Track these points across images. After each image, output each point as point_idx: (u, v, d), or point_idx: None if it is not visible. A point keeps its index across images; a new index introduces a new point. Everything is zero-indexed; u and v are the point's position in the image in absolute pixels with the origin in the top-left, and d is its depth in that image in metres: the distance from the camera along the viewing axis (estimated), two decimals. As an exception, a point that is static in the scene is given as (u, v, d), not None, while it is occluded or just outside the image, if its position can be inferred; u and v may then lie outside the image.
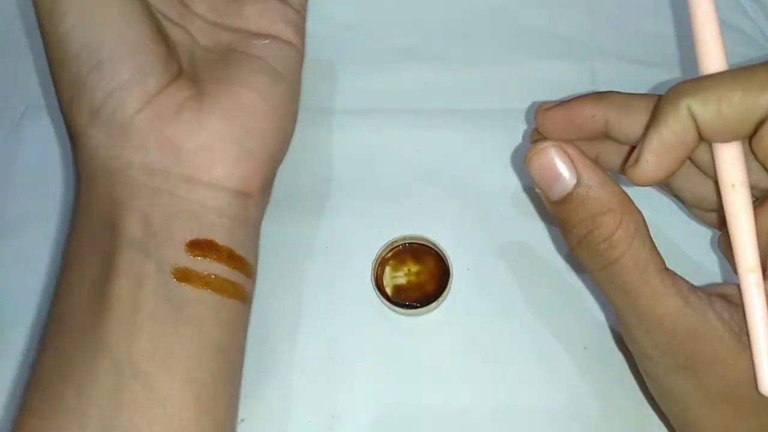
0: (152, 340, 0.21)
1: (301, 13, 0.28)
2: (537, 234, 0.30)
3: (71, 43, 0.22)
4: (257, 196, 0.24)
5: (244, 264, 0.23)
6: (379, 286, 0.29)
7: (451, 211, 0.31)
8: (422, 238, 0.29)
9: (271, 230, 0.27)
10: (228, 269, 0.22)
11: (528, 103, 0.33)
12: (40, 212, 0.31)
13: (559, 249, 0.30)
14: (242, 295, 0.23)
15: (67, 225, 0.30)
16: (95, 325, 0.21)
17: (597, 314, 0.28)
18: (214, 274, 0.22)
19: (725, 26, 0.35)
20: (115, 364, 0.20)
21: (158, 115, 0.22)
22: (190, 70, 0.24)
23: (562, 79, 0.34)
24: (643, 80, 0.34)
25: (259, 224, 0.25)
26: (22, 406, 0.21)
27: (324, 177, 0.31)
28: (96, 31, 0.22)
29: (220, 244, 0.22)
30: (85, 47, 0.22)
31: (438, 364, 0.28)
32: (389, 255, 0.29)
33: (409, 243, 0.30)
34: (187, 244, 0.22)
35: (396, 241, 0.29)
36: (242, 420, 0.26)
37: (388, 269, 0.29)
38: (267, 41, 0.25)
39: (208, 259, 0.22)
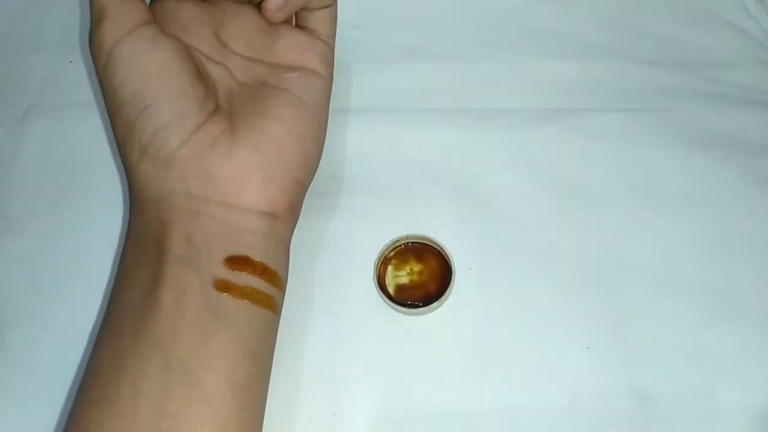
0: (196, 343, 0.23)
1: (329, 43, 0.29)
2: (540, 233, 0.30)
3: (123, 93, 0.25)
4: (285, 216, 0.26)
5: (275, 277, 0.25)
6: (382, 285, 0.29)
7: (454, 211, 0.31)
8: (425, 238, 0.29)
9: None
10: (262, 281, 0.25)
11: (530, 101, 0.33)
12: (42, 210, 0.31)
13: (561, 248, 0.30)
14: (273, 306, 0.25)
15: (69, 222, 0.30)
16: (146, 328, 0.23)
17: (599, 314, 0.28)
18: (250, 286, 0.24)
19: (728, 26, 0.35)
20: (165, 361, 0.23)
21: (196, 149, 0.25)
22: (228, 104, 0.27)
23: (564, 77, 0.34)
24: (644, 79, 0.34)
25: (289, 242, 0.27)
26: (79, 398, 0.24)
27: (326, 176, 0.31)
28: (143, 82, 0.25)
29: (255, 259, 0.25)
30: (134, 96, 0.25)
31: (440, 363, 0.28)
32: (392, 254, 0.29)
33: (411, 242, 0.29)
34: (226, 259, 0.24)
35: (398, 240, 0.29)
36: (244, 419, 0.26)
37: (390, 268, 0.29)
38: (296, 74, 0.28)
39: (245, 272, 0.24)
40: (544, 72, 0.34)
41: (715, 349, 0.28)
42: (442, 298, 0.28)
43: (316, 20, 0.29)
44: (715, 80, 0.34)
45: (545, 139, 0.32)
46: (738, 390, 0.27)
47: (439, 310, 0.28)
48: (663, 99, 0.33)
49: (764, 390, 0.27)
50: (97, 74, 0.26)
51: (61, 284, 0.29)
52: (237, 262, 0.24)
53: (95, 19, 0.25)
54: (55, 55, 0.35)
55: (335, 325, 0.28)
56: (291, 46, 0.28)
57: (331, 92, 0.29)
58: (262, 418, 0.25)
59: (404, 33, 0.35)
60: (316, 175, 0.30)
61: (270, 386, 0.26)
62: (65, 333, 0.28)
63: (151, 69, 0.25)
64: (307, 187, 0.28)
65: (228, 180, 0.25)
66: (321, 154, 0.28)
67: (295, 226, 0.27)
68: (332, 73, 0.29)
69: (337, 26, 0.34)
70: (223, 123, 0.26)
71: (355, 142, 0.32)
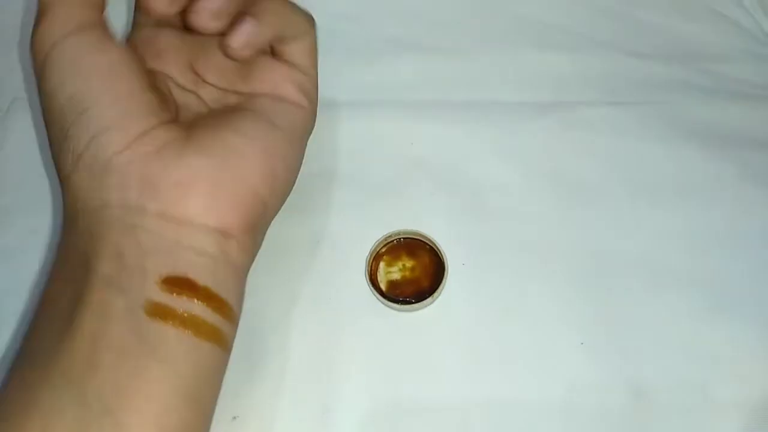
0: (121, 377, 0.20)
1: (308, 74, 0.28)
2: (533, 228, 0.30)
3: (59, 96, 0.23)
4: (240, 236, 0.23)
5: (223, 305, 0.22)
6: (374, 282, 0.28)
7: (446, 206, 0.30)
8: (417, 233, 0.29)
9: (263, 225, 0.27)
10: (207, 309, 0.22)
11: (523, 94, 0.33)
12: (26, 206, 0.30)
13: (555, 243, 0.30)
14: (219, 339, 0.22)
15: (54, 219, 0.30)
16: (60, 359, 0.20)
17: (594, 308, 0.28)
18: (191, 313, 0.21)
19: (722, 18, 0.35)
20: (81, 397, 0.20)
21: (139, 154, 0.22)
22: (191, 124, 0.25)
23: (557, 70, 0.34)
24: (638, 72, 0.34)
25: (246, 270, 0.25)
26: None
27: (316, 171, 0.31)
28: (82, 84, 0.22)
29: (198, 282, 0.22)
30: (71, 98, 0.22)
31: (432, 359, 0.27)
32: (383, 250, 0.29)
33: (403, 238, 0.29)
34: (162, 280, 0.21)
35: (390, 236, 0.29)
36: (235, 417, 0.26)
37: (382, 264, 0.29)
38: (266, 98, 0.26)
39: (184, 296, 0.21)
40: (537, 65, 0.34)
41: (710, 343, 0.27)
42: (435, 294, 0.28)
43: (291, 53, 0.27)
44: (709, 73, 0.34)
45: (539, 133, 0.32)
46: (733, 383, 0.27)
47: (431, 306, 0.28)
48: (657, 92, 0.33)
49: (759, 383, 0.27)
50: (35, 77, 0.24)
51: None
52: (176, 283, 0.21)
53: (38, 16, 0.23)
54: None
55: (327, 323, 0.28)
56: (266, 78, 0.27)
57: (311, 124, 0.28)
58: None
59: (393, 24, 0.35)
60: (305, 170, 0.30)
61: (259, 385, 0.26)
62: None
63: (92, 71, 0.23)
64: (274, 212, 0.26)
65: (170, 187, 0.22)
66: (293, 181, 0.27)
67: (254, 254, 0.25)
68: (314, 104, 0.28)
69: (327, 18, 0.34)
70: (176, 131, 0.23)
71: (346, 136, 0.32)
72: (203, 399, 0.22)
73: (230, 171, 0.23)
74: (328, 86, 0.32)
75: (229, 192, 0.23)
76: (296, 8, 0.27)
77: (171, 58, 0.26)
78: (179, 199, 0.22)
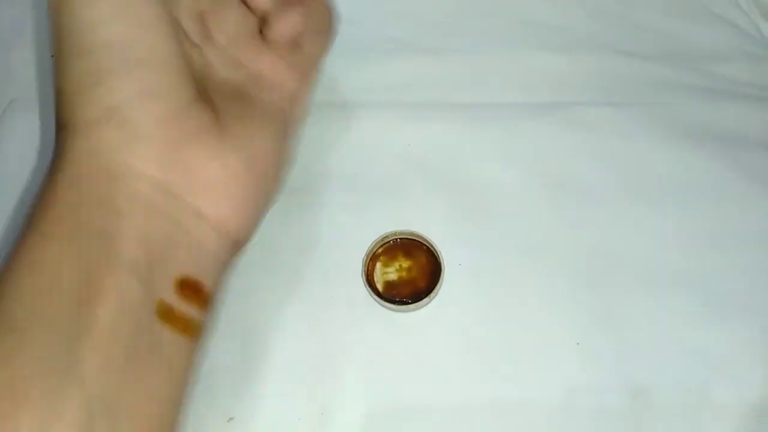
0: (127, 380, 0.19)
1: (317, 68, 0.27)
2: (530, 228, 0.30)
3: (103, 33, 0.20)
4: (242, 247, 0.23)
5: (212, 305, 0.22)
6: (370, 282, 0.28)
7: (443, 206, 0.30)
8: (414, 234, 0.29)
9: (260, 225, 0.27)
10: (200, 311, 0.21)
11: (522, 95, 0.33)
12: (25, 206, 0.30)
13: (552, 243, 0.30)
14: (201, 334, 0.21)
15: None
16: (70, 349, 0.18)
17: (591, 309, 0.28)
18: (188, 318, 0.20)
19: (719, 19, 0.35)
20: (88, 398, 0.18)
21: (179, 131, 0.21)
22: (203, 93, 0.23)
23: (557, 70, 0.34)
24: (638, 72, 0.34)
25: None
26: None
27: (313, 171, 0.31)
28: (133, 30, 0.20)
29: (205, 289, 0.21)
30: (119, 41, 0.20)
31: (429, 360, 0.27)
32: (380, 250, 0.29)
33: (400, 238, 0.29)
34: (178, 281, 0.20)
35: (387, 237, 0.29)
36: (231, 419, 0.26)
37: (379, 265, 0.29)
38: (274, 86, 0.25)
39: (190, 302, 0.20)
40: (535, 65, 0.34)
41: (708, 344, 0.27)
42: (432, 294, 0.28)
43: (309, 42, 0.26)
44: (706, 74, 0.34)
45: (537, 134, 0.32)
46: (731, 384, 0.27)
47: (428, 306, 0.28)
48: (656, 92, 0.33)
49: (758, 384, 0.27)
50: (61, 4, 0.20)
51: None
52: (190, 287, 0.20)
53: None
54: (37, 49, 0.35)
55: (323, 323, 0.28)
56: (275, 59, 0.25)
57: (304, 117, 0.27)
58: None
59: (393, 25, 0.35)
60: (304, 170, 0.30)
61: (256, 386, 0.26)
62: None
63: (143, 20, 0.20)
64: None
65: (209, 183, 0.21)
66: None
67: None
68: (309, 99, 0.27)
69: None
70: (208, 111, 0.22)
71: (343, 137, 0.32)
72: (185, 396, 0.21)
73: (259, 180, 0.22)
74: (327, 87, 0.32)
75: (254, 203, 0.22)
76: (330, 2, 0.26)
77: (183, 2, 0.24)
78: (214, 199, 0.21)
